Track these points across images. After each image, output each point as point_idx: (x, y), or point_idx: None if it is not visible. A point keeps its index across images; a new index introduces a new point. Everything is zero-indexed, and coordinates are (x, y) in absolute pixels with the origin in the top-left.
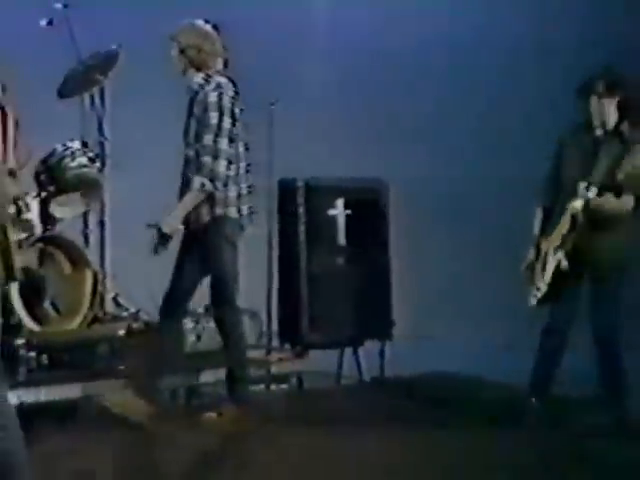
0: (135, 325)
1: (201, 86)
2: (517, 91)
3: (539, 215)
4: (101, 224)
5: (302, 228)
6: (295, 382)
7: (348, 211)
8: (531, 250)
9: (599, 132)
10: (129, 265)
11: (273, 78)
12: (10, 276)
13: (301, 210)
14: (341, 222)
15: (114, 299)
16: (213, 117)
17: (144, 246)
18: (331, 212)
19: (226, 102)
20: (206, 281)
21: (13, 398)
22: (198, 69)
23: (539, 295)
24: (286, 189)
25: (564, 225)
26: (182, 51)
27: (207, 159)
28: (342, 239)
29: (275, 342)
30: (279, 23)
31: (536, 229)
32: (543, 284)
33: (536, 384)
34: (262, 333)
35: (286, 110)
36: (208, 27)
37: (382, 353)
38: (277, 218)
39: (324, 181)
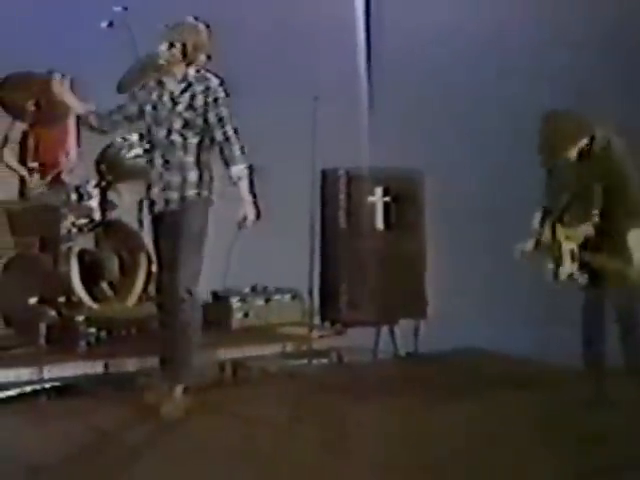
0: None
1: (197, 80)
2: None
3: (539, 214)
4: None
5: (342, 214)
6: (335, 357)
7: (386, 198)
8: (531, 241)
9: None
10: None
11: (317, 73)
12: None
13: (342, 197)
14: (379, 208)
15: None
16: (224, 110)
17: None
18: (370, 199)
19: (229, 97)
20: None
21: (74, 370)
22: (189, 64)
23: (561, 278)
24: (328, 178)
25: (575, 239)
26: (183, 46)
27: (237, 147)
28: (380, 224)
29: (316, 320)
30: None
31: (536, 224)
32: (562, 275)
33: (586, 359)
34: (304, 312)
35: (329, 104)
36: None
37: (416, 331)
38: (319, 204)
39: (364, 170)
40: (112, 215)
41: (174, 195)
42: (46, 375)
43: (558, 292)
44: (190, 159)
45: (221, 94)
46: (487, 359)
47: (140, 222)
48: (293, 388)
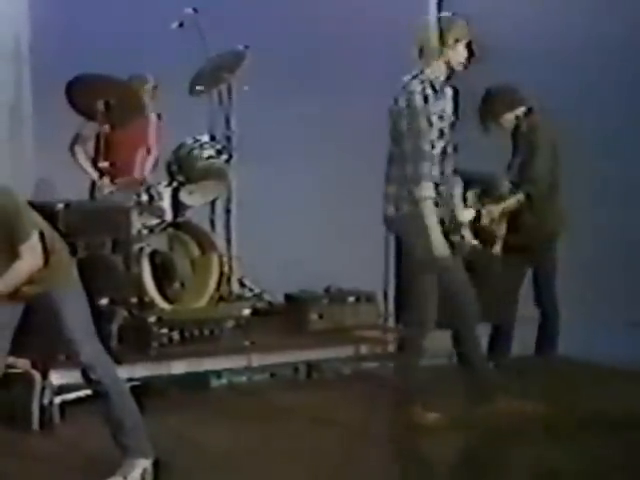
0: (259, 305)
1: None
2: None
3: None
4: (227, 211)
5: None
6: None
7: None
8: None
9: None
10: (253, 249)
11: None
12: None
13: None
14: None
15: (239, 280)
16: None
17: (267, 231)
18: None
19: None
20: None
21: (145, 371)
22: None
23: None
24: None
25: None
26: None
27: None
28: None
29: (391, 322)
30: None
31: None
32: None
33: None
34: (379, 314)
35: None
36: None
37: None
38: None
39: None
40: (184, 216)
41: None
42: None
43: None
44: None
45: None
46: (567, 366)
47: (212, 222)
48: (368, 390)
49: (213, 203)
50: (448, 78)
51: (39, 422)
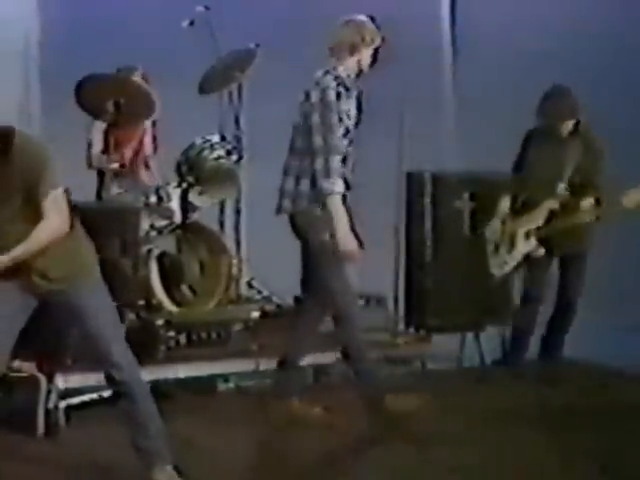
0: (268, 308)
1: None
2: None
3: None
4: (237, 212)
5: (428, 218)
6: (419, 364)
7: (472, 203)
8: (497, 221)
9: (564, 135)
10: (263, 251)
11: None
12: None
13: (427, 201)
14: (466, 213)
15: (248, 283)
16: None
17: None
18: (456, 204)
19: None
20: None
21: (152, 374)
22: None
23: (506, 269)
24: (414, 181)
25: (539, 217)
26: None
27: None
28: (466, 230)
29: (400, 326)
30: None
31: (506, 208)
32: (512, 261)
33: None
34: (389, 317)
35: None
36: None
37: (503, 338)
38: (405, 208)
39: (450, 174)
40: (193, 217)
41: None
42: None
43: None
44: None
45: None
46: (573, 369)
47: (221, 224)
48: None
49: (222, 204)
50: (357, 77)
51: (44, 426)
